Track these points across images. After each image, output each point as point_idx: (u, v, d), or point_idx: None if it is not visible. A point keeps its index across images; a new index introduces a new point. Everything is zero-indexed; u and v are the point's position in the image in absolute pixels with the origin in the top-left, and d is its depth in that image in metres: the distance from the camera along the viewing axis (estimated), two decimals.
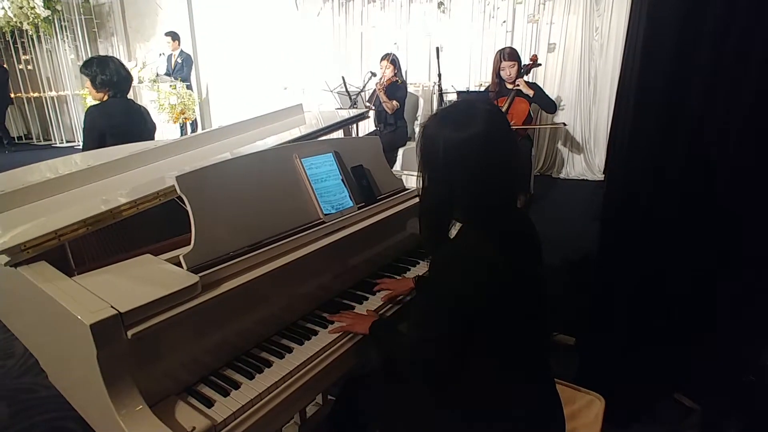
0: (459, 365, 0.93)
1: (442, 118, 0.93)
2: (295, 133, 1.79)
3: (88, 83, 2.28)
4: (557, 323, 2.45)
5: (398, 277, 1.46)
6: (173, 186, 1.08)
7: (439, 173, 0.92)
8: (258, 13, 5.99)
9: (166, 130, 5.77)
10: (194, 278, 0.96)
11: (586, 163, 4.88)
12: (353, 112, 2.10)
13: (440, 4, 5.02)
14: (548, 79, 4.88)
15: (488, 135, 0.88)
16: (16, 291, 1.09)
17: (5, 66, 7.05)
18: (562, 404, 1.09)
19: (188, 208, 1.05)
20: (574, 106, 4.85)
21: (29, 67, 7.44)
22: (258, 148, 1.50)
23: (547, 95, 3.63)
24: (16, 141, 7.64)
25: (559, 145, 5.03)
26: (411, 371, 1.03)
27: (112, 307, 0.83)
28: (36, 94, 7.54)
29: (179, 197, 1.09)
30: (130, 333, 0.83)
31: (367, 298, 1.36)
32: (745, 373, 1.37)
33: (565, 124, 4.65)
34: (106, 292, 0.89)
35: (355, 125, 3.37)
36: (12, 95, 7.32)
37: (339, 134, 2.02)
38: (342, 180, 1.45)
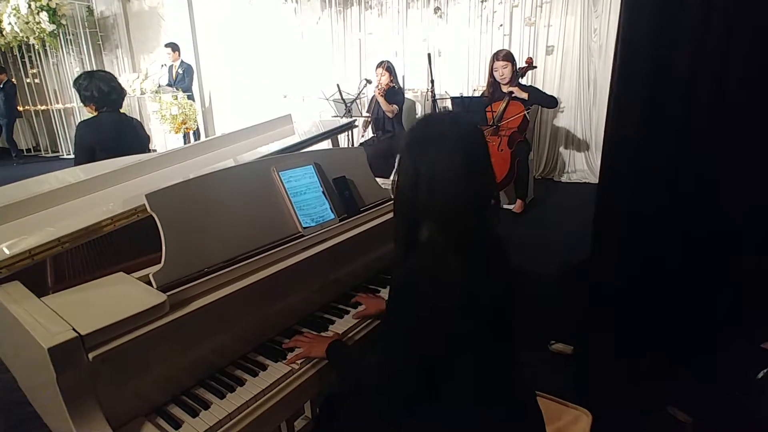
0: (422, 387, 0.90)
1: (426, 123, 0.96)
2: (284, 143, 1.78)
3: None
4: (556, 332, 2.40)
5: (376, 295, 1.43)
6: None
7: (411, 164, 0.92)
8: (258, 22, 6.04)
9: (169, 141, 5.81)
10: (161, 297, 0.95)
11: (587, 166, 4.83)
12: (342, 121, 2.09)
13: (437, 9, 5.02)
14: (547, 81, 4.84)
15: (460, 137, 0.89)
16: None
17: (13, 80, 7.19)
18: (543, 420, 1.06)
19: (158, 225, 1.04)
20: (574, 108, 4.80)
21: (36, 80, 7.58)
22: (241, 161, 1.50)
23: (544, 93, 3.62)
24: (25, 153, 7.78)
25: (561, 149, 4.98)
26: (370, 396, 1.01)
27: (73, 329, 0.82)
28: (43, 107, 7.67)
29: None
30: (91, 355, 0.83)
31: (348, 312, 1.35)
32: (735, 387, 1.33)
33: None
34: (70, 313, 0.88)
35: (349, 133, 3.39)
36: (20, 108, 7.46)
37: (327, 144, 2.02)
38: (323, 192, 1.44)
